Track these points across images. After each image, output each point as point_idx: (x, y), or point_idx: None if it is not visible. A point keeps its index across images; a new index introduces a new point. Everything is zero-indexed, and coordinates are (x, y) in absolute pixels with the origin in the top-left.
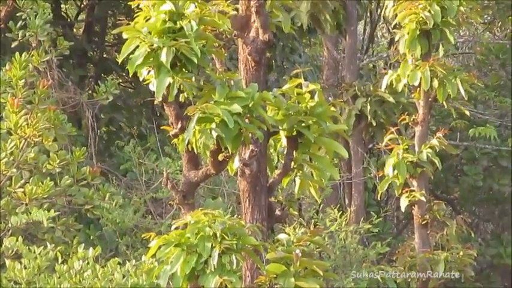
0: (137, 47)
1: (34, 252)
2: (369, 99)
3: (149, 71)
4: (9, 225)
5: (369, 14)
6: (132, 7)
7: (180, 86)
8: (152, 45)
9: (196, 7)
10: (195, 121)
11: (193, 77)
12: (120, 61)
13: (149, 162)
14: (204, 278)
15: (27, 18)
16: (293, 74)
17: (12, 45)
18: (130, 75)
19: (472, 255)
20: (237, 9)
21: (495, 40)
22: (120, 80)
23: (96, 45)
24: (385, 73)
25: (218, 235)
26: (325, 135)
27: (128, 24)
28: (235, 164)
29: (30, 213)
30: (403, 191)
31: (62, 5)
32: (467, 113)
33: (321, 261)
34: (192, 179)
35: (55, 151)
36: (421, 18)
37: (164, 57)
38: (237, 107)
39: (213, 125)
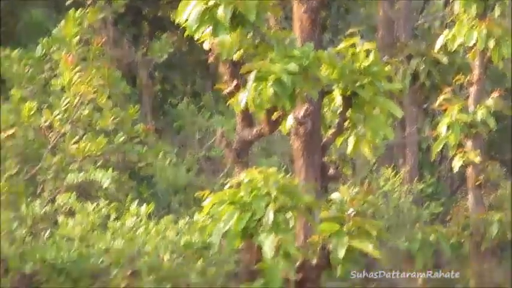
0: (193, 6)
1: (87, 209)
2: (424, 59)
3: (203, 31)
4: (64, 182)
5: None
6: None
7: (235, 44)
8: (208, 2)
9: None
10: (251, 79)
11: (249, 35)
12: (177, 21)
13: (203, 121)
14: (259, 237)
15: None
16: (348, 33)
17: (67, 3)
18: (185, 34)
19: None
20: None
21: None
22: (175, 38)
23: (151, 3)
24: (440, 33)
25: (272, 193)
26: (380, 95)
27: None
28: (289, 123)
29: (85, 171)
30: (457, 152)
31: None
32: None
33: (374, 221)
34: (245, 137)
35: (109, 108)
36: None
37: (222, 13)
38: (293, 66)
39: (269, 83)
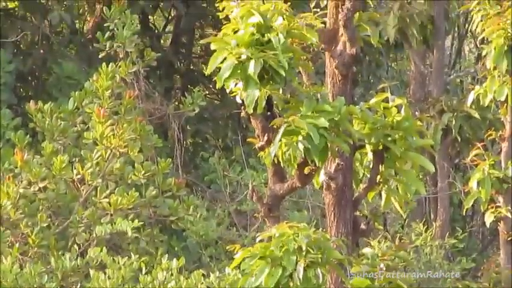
0: (225, 59)
1: (118, 262)
2: (455, 114)
3: (236, 84)
4: (94, 235)
5: (456, 29)
6: (220, 18)
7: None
8: (240, 57)
9: (284, 20)
10: (281, 134)
11: (281, 90)
12: (207, 73)
13: (234, 175)
14: None
15: (115, 29)
16: (379, 88)
17: (100, 56)
18: (217, 88)
19: None
20: (324, 23)
21: None
22: (207, 92)
23: (183, 57)
24: (472, 88)
25: (303, 248)
26: (412, 150)
27: (216, 35)
28: (321, 177)
29: (115, 223)
30: (489, 207)
31: (150, 17)
32: None
33: (405, 276)
34: (277, 191)
35: (141, 162)
36: (509, 34)
37: (252, 69)
38: (323, 121)
39: (300, 138)
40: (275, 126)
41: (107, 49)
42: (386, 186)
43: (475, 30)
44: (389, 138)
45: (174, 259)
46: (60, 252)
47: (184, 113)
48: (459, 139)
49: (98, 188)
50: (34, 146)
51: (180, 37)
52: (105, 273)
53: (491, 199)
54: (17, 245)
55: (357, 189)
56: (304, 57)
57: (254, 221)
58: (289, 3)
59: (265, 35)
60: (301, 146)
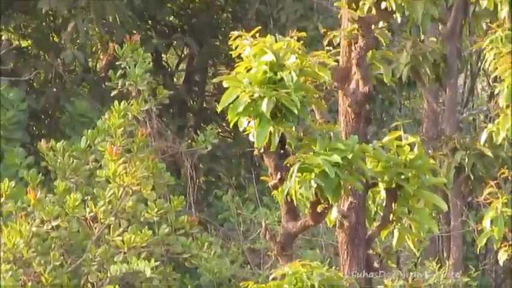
0: (237, 97)
1: None
2: (468, 152)
3: (249, 122)
4: (108, 274)
5: (469, 67)
6: (233, 57)
7: (279, 136)
8: (252, 95)
9: (296, 58)
10: (295, 171)
11: (293, 128)
12: (219, 110)
13: (247, 213)
14: None
15: (127, 67)
16: (392, 126)
17: (112, 94)
18: (230, 125)
19: None
20: (337, 61)
21: None
22: (220, 130)
23: (196, 95)
24: (484, 127)
25: (316, 286)
26: (425, 188)
27: (228, 74)
28: (334, 215)
29: (129, 262)
30: (502, 245)
31: (163, 55)
32: None
33: None
34: (290, 230)
35: (153, 200)
36: None
37: (265, 107)
38: (336, 158)
39: (313, 175)
40: (288, 165)
41: (119, 87)
42: (399, 224)
43: (488, 68)
44: (403, 177)
45: None
46: None
47: (197, 151)
48: (472, 177)
49: (111, 226)
50: (47, 184)
51: (193, 75)
52: None
53: (505, 237)
54: (30, 283)
55: (370, 227)
56: (317, 95)
57: (267, 259)
58: (301, 42)
59: (278, 73)
60: (314, 184)
